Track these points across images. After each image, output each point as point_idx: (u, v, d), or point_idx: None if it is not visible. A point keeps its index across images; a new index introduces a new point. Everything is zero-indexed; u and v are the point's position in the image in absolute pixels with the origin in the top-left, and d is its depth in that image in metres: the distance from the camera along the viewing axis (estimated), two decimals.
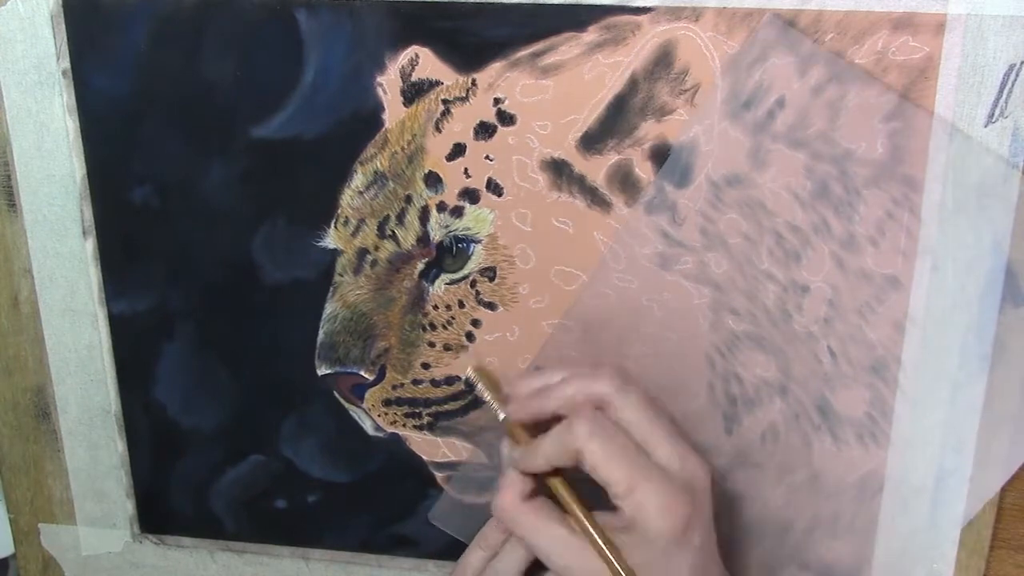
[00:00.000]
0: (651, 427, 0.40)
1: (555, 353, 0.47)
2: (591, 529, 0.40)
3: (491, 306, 0.47)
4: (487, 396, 0.44)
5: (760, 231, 0.44)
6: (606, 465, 0.39)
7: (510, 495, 0.42)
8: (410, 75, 0.44)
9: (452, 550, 0.52)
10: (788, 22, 0.40)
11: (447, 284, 0.47)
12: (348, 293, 0.48)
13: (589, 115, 0.43)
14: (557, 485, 0.41)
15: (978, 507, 0.46)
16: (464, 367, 0.49)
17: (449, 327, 0.48)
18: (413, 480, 0.52)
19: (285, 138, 0.46)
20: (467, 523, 0.51)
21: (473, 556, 0.46)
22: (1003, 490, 0.46)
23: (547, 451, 0.41)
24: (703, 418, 0.47)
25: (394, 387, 0.50)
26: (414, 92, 0.44)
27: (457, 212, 0.46)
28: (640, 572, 0.39)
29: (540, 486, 0.42)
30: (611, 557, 0.39)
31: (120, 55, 0.46)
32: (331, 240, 0.48)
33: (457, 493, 0.51)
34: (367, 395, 0.50)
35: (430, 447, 0.51)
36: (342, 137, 0.46)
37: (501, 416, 0.43)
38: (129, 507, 0.56)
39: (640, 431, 0.40)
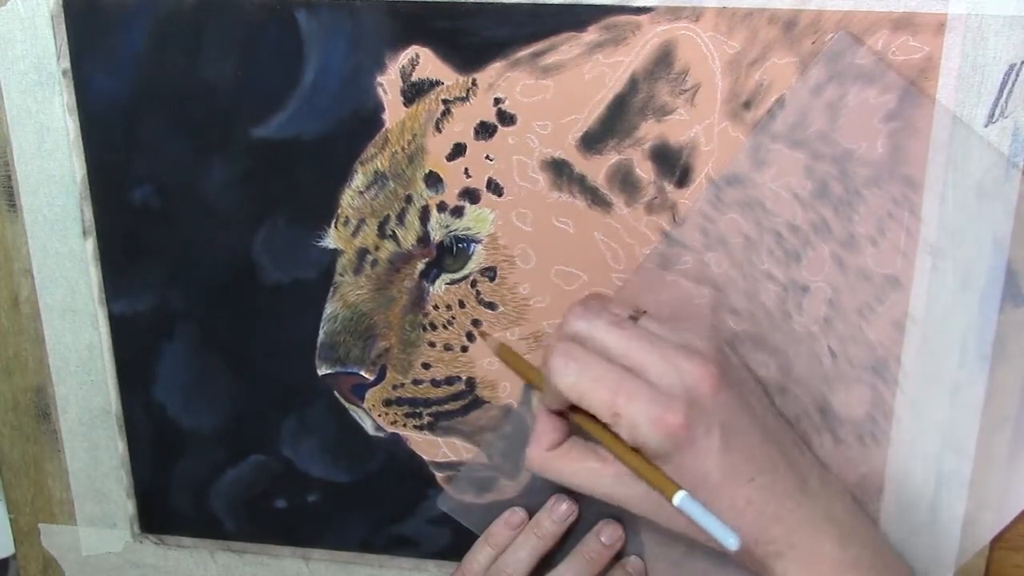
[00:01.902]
0: (631, 347, 0.39)
1: None
2: (616, 449, 0.40)
3: (491, 306, 0.47)
4: (506, 358, 0.45)
5: (760, 231, 0.44)
6: (585, 397, 0.39)
7: (536, 448, 0.43)
8: (410, 75, 0.44)
9: (452, 550, 0.53)
10: (857, 39, 0.40)
11: (447, 284, 0.47)
12: (348, 293, 0.48)
13: (589, 115, 0.43)
14: (578, 419, 0.41)
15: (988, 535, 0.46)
16: (464, 367, 0.49)
17: (449, 327, 0.48)
18: (413, 480, 0.52)
19: (285, 138, 0.46)
20: (476, 512, 0.51)
21: (480, 553, 0.46)
22: None
23: (547, 396, 0.41)
24: None
25: (394, 387, 0.50)
26: (414, 92, 0.44)
27: (457, 212, 0.46)
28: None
29: (572, 427, 0.43)
30: (639, 464, 0.39)
31: (120, 55, 0.46)
32: (331, 240, 0.48)
33: (457, 493, 0.51)
34: (367, 395, 0.50)
35: (430, 447, 0.51)
36: (342, 137, 0.46)
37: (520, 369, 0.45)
38: (129, 507, 0.56)
39: (621, 354, 0.39)
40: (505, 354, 0.46)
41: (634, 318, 0.42)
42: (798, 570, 0.40)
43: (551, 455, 0.43)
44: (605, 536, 0.49)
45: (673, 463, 0.39)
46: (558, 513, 0.48)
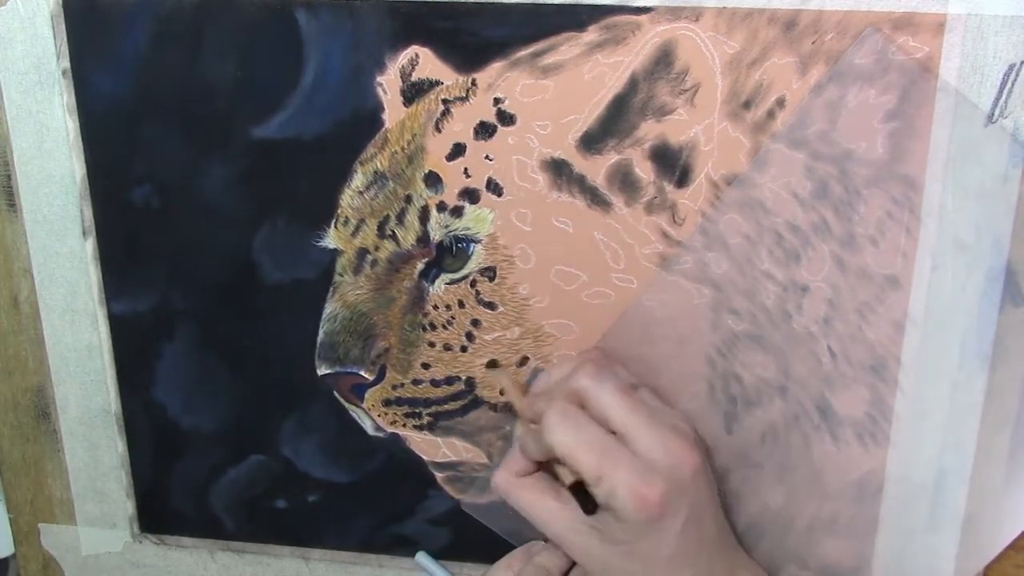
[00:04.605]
0: (628, 416, 0.41)
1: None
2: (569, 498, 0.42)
3: (491, 306, 0.47)
4: (509, 391, 0.47)
5: (760, 231, 0.44)
6: (574, 455, 0.40)
7: (504, 471, 0.45)
8: (410, 75, 0.44)
9: (452, 550, 0.53)
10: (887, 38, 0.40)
11: (447, 284, 0.47)
12: (348, 293, 0.48)
13: (589, 115, 0.43)
14: (558, 467, 0.43)
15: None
16: (464, 367, 0.49)
17: (449, 327, 0.48)
18: (413, 480, 0.52)
19: (285, 138, 0.46)
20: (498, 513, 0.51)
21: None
22: None
23: (532, 444, 0.43)
24: (703, 418, 0.47)
25: (394, 387, 0.50)
26: (414, 92, 0.44)
27: (457, 212, 0.46)
28: (619, 552, 0.41)
29: (547, 468, 0.45)
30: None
31: (120, 55, 0.46)
32: (331, 240, 0.48)
33: (457, 494, 0.51)
34: (367, 395, 0.50)
35: (430, 447, 0.51)
36: (342, 137, 0.46)
37: (517, 408, 0.46)
38: (129, 507, 0.56)
39: (617, 421, 0.41)
40: (507, 384, 0.47)
41: (634, 387, 0.44)
42: None
43: (517, 482, 0.44)
44: None
45: (633, 531, 0.40)
46: None
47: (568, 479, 0.42)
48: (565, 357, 0.47)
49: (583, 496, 0.42)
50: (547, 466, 0.45)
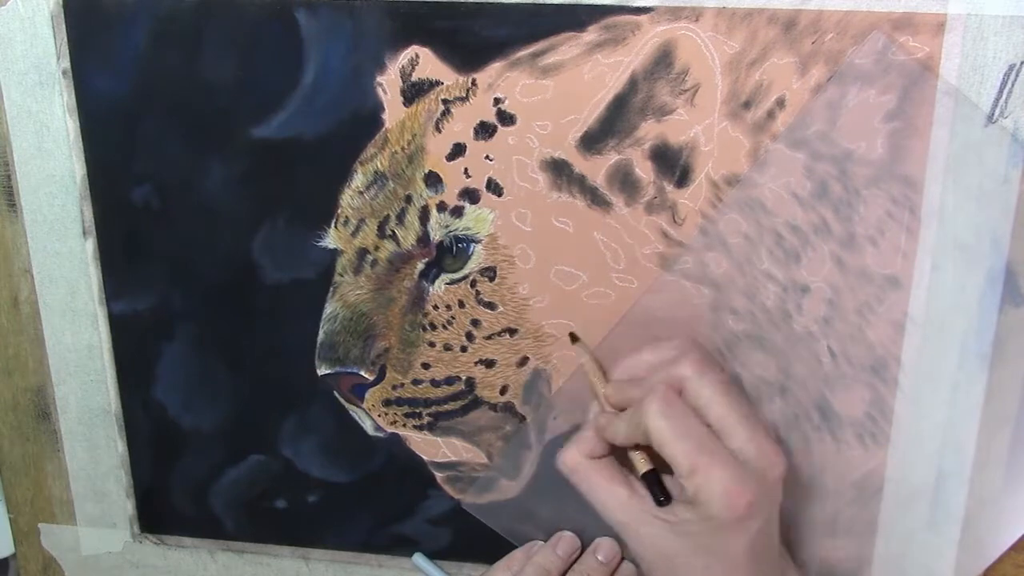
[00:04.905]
0: (727, 413, 0.40)
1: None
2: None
3: (491, 306, 0.47)
4: (589, 372, 0.46)
5: (760, 231, 0.44)
6: (671, 444, 0.40)
7: (575, 451, 0.44)
8: (410, 75, 0.44)
9: (452, 550, 0.53)
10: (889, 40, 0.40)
11: (447, 284, 0.47)
12: (348, 293, 0.48)
13: (589, 115, 0.43)
14: (632, 452, 0.43)
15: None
16: (464, 367, 0.49)
17: (449, 327, 0.48)
18: (413, 480, 0.52)
19: (285, 138, 0.46)
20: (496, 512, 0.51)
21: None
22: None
23: (622, 426, 0.42)
24: None
25: (394, 387, 0.50)
26: (414, 92, 0.44)
27: (457, 212, 0.46)
28: (689, 545, 0.40)
29: (616, 453, 0.44)
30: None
31: (120, 55, 0.46)
32: (331, 240, 0.48)
33: (457, 494, 0.51)
34: (367, 395, 0.50)
35: (430, 447, 0.51)
36: (342, 137, 0.46)
37: (601, 393, 0.45)
38: (129, 507, 0.56)
39: (715, 415, 0.40)
40: (589, 364, 0.46)
41: (731, 384, 0.43)
42: None
43: (587, 463, 0.44)
44: (602, 554, 0.49)
45: (711, 528, 0.40)
46: (564, 549, 0.50)
47: (642, 468, 0.42)
48: (653, 344, 0.45)
49: (657, 487, 0.41)
50: (618, 452, 0.44)
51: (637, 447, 0.43)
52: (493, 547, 0.51)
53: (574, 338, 0.47)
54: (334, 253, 0.48)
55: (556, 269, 0.46)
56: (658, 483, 0.42)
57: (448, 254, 0.47)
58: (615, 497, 0.43)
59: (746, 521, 0.39)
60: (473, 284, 0.47)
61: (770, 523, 0.41)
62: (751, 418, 0.41)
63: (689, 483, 0.39)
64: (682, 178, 0.44)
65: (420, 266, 0.47)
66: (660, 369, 0.43)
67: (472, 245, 0.46)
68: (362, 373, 0.50)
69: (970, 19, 0.39)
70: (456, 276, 0.47)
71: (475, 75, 0.44)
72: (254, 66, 0.45)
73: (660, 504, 0.41)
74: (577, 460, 0.44)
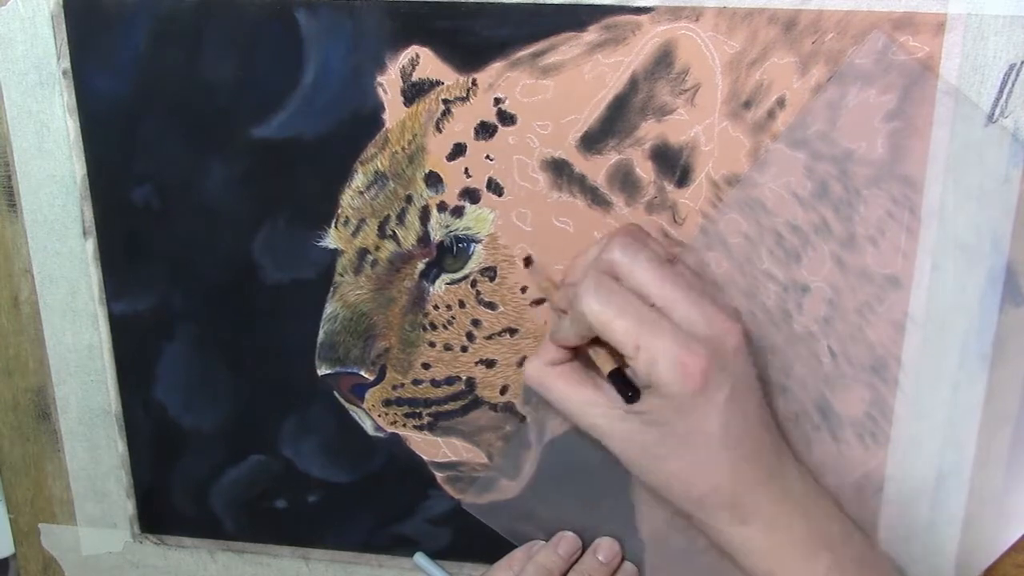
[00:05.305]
0: (664, 287, 0.39)
1: None
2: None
3: (491, 306, 0.47)
4: (543, 287, 0.45)
5: (760, 231, 0.44)
6: (610, 325, 0.39)
7: (537, 361, 0.43)
8: (410, 75, 0.44)
9: (453, 550, 0.53)
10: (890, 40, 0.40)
11: (447, 284, 0.47)
12: (348, 293, 0.48)
13: (589, 115, 0.43)
14: (592, 350, 0.42)
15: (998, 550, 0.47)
16: (464, 367, 0.49)
17: (449, 327, 0.48)
18: (413, 480, 0.52)
19: (285, 138, 0.46)
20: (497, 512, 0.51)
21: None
22: None
23: (566, 322, 0.41)
24: None
25: (394, 387, 0.50)
26: (414, 92, 0.44)
27: (457, 212, 0.46)
28: (661, 434, 0.39)
29: (581, 359, 0.43)
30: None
31: (120, 55, 0.46)
32: (331, 240, 0.48)
33: (457, 494, 0.51)
34: (367, 395, 0.50)
35: (430, 447, 0.51)
36: (342, 137, 0.46)
37: (553, 299, 0.44)
38: (129, 507, 0.56)
39: (654, 292, 0.39)
40: (543, 282, 0.46)
41: (670, 261, 0.42)
42: (762, 539, 0.40)
43: (550, 371, 0.43)
44: (602, 554, 0.49)
45: (675, 408, 0.39)
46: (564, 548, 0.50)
47: (607, 367, 0.41)
48: (598, 240, 0.44)
49: (623, 383, 0.40)
50: (582, 357, 0.43)
51: (596, 345, 0.42)
52: (493, 547, 0.51)
53: (528, 262, 0.46)
54: (334, 253, 0.48)
55: (556, 269, 0.46)
56: (623, 379, 0.40)
57: (448, 254, 0.47)
58: (582, 399, 0.42)
59: (708, 392, 0.38)
60: (473, 284, 0.47)
61: (743, 398, 0.39)
62: (694, 289, 0.39)
63: (637, 362, 0.38)
64: (682, 178, 0.44)
65: (420, 266, 0.47)
66: (589, 259, 0.41)
67: (472, 245, 0.47)
68: (362, 373, 0.50)
69: (970, 19, 0.39)
70: (456, 276, 0.47)
71: (475, 75, 0.44)
72: (254, 66, 0.45)
73: (629, 400, 0.40)
74: (540, 369, 0.43)
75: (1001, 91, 0.40)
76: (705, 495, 0.40)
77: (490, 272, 0.47)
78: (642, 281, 0.39)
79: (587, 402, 0.42)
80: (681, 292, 0.39)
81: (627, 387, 0.40)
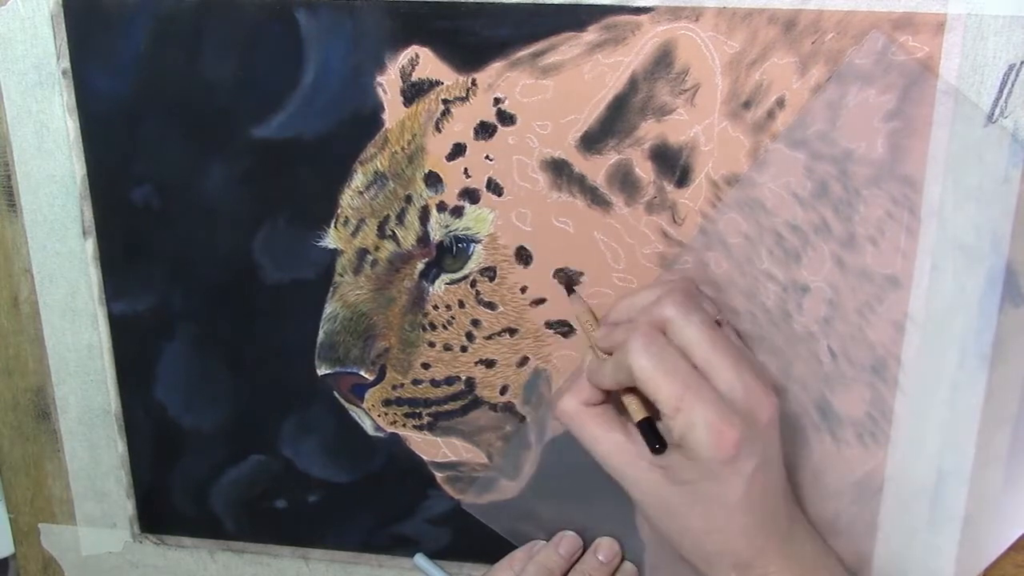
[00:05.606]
0: (712, 352, 0.39)
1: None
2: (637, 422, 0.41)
3: (491, 306, 0.47)
4: (583, 320, 0.45)
5: (760, 231, 0.44)
6: (654, 381, 0.39)
7: (571, 398, 0.43)
8: (410, 75, 0.44)
9: (453, 550, 0.53)
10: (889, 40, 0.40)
11: (447, 284, 0.47)
12: (348, 293, 0.48)
13: (589, 115, 0.43)
14: (626, 398, 0.42)
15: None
16: (463, 367, 0.49)
17: (449, 327, 0.48)
18: (413, 480, 0.52)
19: (285, 138, 0.46)
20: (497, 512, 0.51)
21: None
22: None
23: (608, 368, 0.42)
24: None
25: (394, 387, 0.50)
26: (414, 92, 0.44)
27: (457, 212, 0.46)
28: (683, 492, 0.40)
29: (614, 401, 0.43)
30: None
31: (120, 55, 0.46)
32: (331, 240, 0.48)
33: (457, 494, 0.51)
34: (367, 395, 0.50)
35: (430, 447, 0.51)
36: (342, 137, 0.46)
37: (592, 338, 0.44)
38: (129, 507, 0.56)
39: (700, 355, 0.39)
40: (583, 313, 0.46)
41: (719, 323, 0.42)
42: None
43: (584, 411, 0.43)
44: (602, 554, 0.49)
45: (702, 471, 0.39)
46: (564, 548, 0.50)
47: (638, 415, 0.41)
48: (647, 285, 0.45)
49: (651, 434, 0.41)
50: (615, 401, 0.43)
51: (631, 393, 0.42)
52: (493, 547, 0.51)
53: (570, 289, 0.46)
54: (334, 253, 0.48)
55: (556, 269, 0.46)
56: (653, 431, 0.41)
57: (448, 254, 0.47)
58: (611, 444, 0.42)
59: (738, 462, 0.38)
60: (473, 284, 0.47)
61: (768, 468, 0.40)
62: (738, 358, 0.40)
63: (675, 423, 0.39)
64: (682, 178, 0.44)
65: (420, 266, 0.47)
66: (646, 311, 0.41)
67: (472, 245, 0.46)
68: (362, 373, 0.50)
69: (970, 19, 0.39)
70: (456, 276, 0.47)
71: (475, 75, 0.44)
72: (254, 66, 0.45)
73: (655, 452, 0.40)
74: (574, 407, 0.43)
75: (1001, 91, 0.40)
76: (717, 554, 0.41)
77: (490, 272, 0.47)
78: (691, 342, 0.40)
79: (616, 448, 0.42)
80: (727, 359, 0.39)
81: (655, 438, 0.41)
